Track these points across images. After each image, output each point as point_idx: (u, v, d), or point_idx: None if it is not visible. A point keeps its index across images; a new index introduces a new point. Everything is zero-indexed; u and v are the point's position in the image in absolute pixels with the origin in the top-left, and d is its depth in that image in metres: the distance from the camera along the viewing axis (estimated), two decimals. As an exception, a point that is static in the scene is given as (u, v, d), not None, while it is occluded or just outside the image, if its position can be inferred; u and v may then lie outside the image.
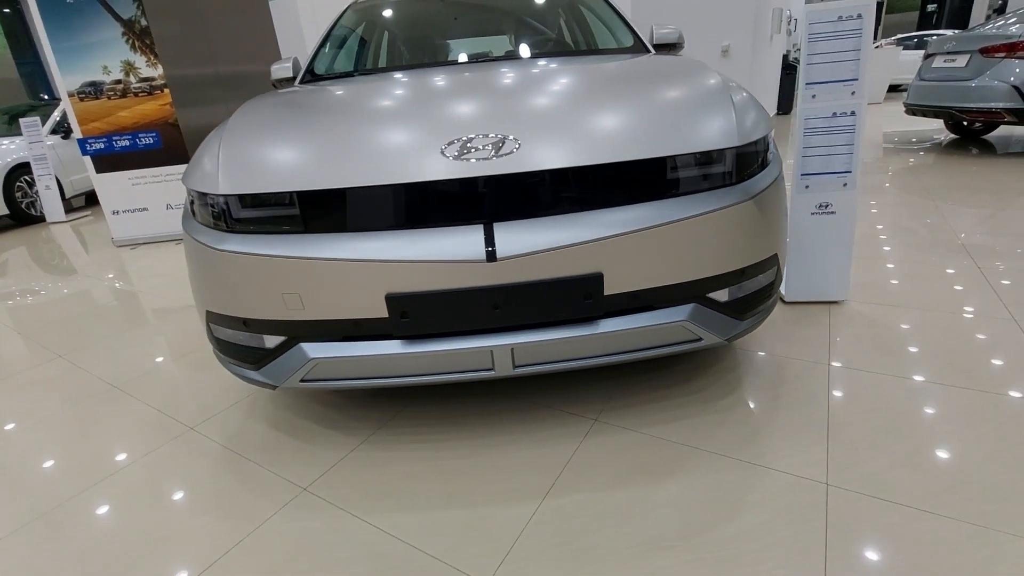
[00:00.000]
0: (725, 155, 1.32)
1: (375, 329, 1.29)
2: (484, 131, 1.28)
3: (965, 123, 5.61)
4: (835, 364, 1.77)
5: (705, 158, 1.30)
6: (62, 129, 6.11)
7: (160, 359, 2.27)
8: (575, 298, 1.26)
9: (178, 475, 1.52)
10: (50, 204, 5.68)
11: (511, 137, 1.26)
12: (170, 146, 4.15)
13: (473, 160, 1.21)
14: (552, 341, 1.30)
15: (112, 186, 4.24)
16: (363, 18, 2.67)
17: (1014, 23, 4.59)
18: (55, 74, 3.98)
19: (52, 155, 5.76)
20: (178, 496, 1.44)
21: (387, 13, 2.69)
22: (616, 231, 1.22)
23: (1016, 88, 4.35)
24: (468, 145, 1.24)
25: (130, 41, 3.92)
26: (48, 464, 1.63)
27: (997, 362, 1.70)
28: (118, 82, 4.02)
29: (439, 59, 2.39)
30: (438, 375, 1.37)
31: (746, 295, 1.45)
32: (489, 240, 1.20)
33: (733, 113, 1.36)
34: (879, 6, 20.94)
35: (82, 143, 4.13)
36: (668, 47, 2.47)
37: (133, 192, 4.25)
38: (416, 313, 1.25)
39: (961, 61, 4.79)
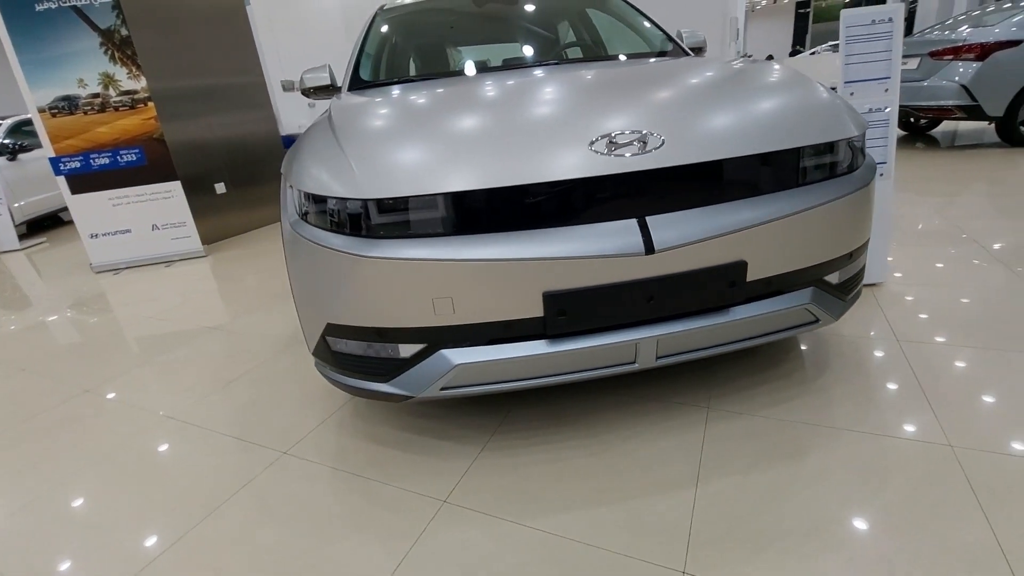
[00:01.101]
0: (846, 145, 1.40)
1: (526, 330, 1.28)
2: (622, 128, 1.30)
3: (913, 119, 6.13)
4: (904, 340, 1.89)
5: (832, 148, 1.38)
6: (7, 151, 5.61)
7: (208, 385, 2.12)
8: (721, 286, 1.30)
9: (296, 501, 1.43)
10: (2, 232, 5.18)
11: (653, 133, 1.28)
12: (156, 163, 3.89)
13: (625, 156, 1.23)
14: (693, 330, 1.33)
15: (90, 207, 3.91)
16: (401, 22, 2.61)
17: (957, 28, 5.08)
18: (23, 88, 3.64)
19: (-2, 178, 5.28)
20: (309, 524, 1.35)
21: (433, 16, 2.65)
22: (760, 219, 1.27)
23: (964, 87, 4.80)
24: (614, 141, 1.26)
25: (109, 52, 3.66)
26: (143, 504, 1.49)
27: (1044, 328, 1.88)
28: (96, 96, 3.73)
29: (496, 62, 2.37)
30: (580, 372, 1.36)
31: (852, 276, 1.54)
32: (645, 233, 1.22)
33: (845, 106, 1.44)
34: (805, 16, 22.56)
35: (55, 162, 3.80)
36: (697, 50, 2.58)
37: (114, 213, 3.94)
38: (574, 310, 1.24)
39: (912, 64, 5.24)
